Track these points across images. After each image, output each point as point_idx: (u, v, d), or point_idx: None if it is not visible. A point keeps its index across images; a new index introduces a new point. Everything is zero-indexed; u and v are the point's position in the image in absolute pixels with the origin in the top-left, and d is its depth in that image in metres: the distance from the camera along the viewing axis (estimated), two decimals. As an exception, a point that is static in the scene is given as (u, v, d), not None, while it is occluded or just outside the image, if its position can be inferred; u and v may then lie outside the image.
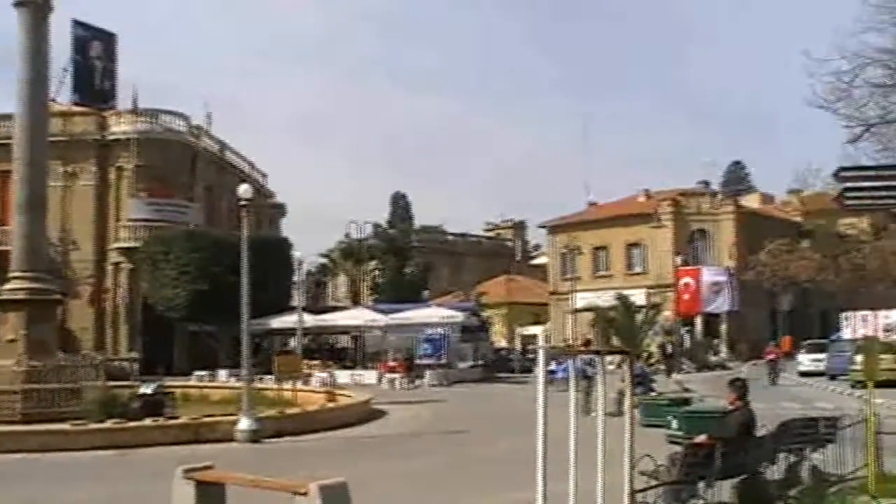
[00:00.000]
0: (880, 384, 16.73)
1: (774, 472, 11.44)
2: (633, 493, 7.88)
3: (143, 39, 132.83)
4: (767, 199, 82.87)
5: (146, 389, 25.39)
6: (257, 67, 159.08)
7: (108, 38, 58.97)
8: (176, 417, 22.50)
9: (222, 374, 43.62)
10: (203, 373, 43.53)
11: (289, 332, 48.00)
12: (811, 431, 12.38)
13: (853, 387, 32.76)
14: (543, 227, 78.07)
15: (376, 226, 73.70)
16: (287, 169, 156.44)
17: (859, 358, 26.48)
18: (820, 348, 45.58)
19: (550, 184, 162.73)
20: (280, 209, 72.79)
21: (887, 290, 58.49)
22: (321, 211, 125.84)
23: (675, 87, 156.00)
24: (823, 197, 60.66)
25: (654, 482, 8.80)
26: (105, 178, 53.74)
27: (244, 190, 23.00)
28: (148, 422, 21.41)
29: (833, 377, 39.32)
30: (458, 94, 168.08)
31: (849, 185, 9.92)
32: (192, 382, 38.27)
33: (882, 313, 48.01)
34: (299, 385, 30.56)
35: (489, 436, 22.26)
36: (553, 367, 31.45)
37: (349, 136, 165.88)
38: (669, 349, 47.99)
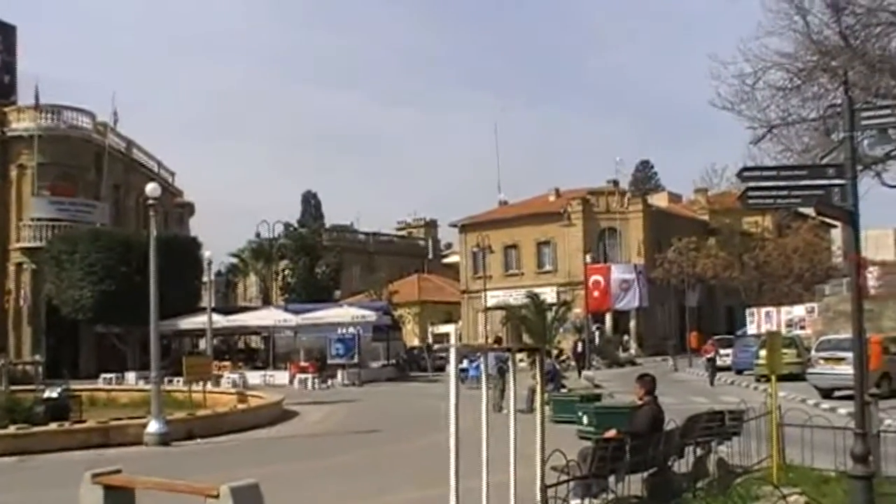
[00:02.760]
0: (783, 378, 17.23)
1: (682, 465, 11.67)
2: (544, 487, 7.96)
3: (45, 33, 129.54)
4: (675, 198, 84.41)
5: (51, 393, 24.85)
6: (165, 64, 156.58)
7: (7, 30, 57.27)
8: (82, 421, 22.03)
9: (130, 376, 42.84)
10: (110, 375, 42.72)
11: (198, 333, 47.40)
12: (718, 425, 12.66)
13: (758, 380, 33.63)
14: (455, 226, 78.35)
15: (287, 225, 73.13)
16: (196, 167, 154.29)
17: (763, 352, 27.28)
18: (726, 343, 46.67)
19: (462, 183, 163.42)
20: (188, 208, 71.73)
21: (789, 287, 60.24)
22: (231, 210, 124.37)
23: (585, 89, 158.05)
24: (728, 196, 62.23)
25: (565, 477, 8.90)
26: (6, 176, 52.18)
27: (152, 189, 22.55)
28: (53, 426, 20.89)
29: (739, 371, 40.29)
30: (369, 92, 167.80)
31: (751, 184, 10.17)
32: (99, 385, 37.57)
33: (785, 309, 49.42)
34: (209, 387, 30.17)
35: (402, 434, 22.28)
36: (465, 364, 31.73)
37: (259, 135, 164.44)
38: (580, 347, 48.45)
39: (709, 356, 39.48)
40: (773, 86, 21.23)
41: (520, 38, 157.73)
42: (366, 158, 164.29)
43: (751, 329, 49.11)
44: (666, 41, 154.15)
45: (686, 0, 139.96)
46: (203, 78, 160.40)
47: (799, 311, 48.58)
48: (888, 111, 9.91)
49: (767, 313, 49.57)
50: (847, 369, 23.05)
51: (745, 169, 11.11)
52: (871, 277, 39.35)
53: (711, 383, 36.82)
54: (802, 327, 45.71)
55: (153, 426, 20.55)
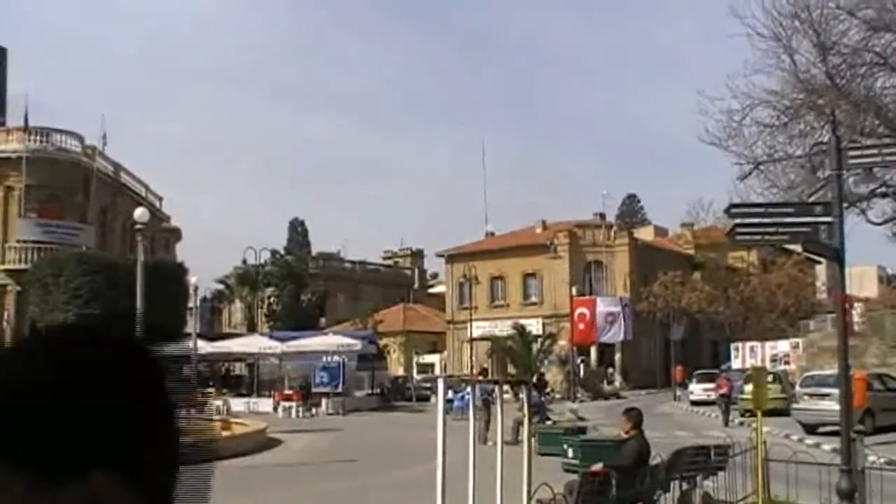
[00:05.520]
0: (768, 413, 17.27)
1: (668, 499, 11.66)
2: (530, 521, 7.95)
3: (35, 56, 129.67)
4: (661, 231, 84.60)
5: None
6: (155, 90, 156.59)
7: (-3, 52, 57.28)
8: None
9: (113, 401, 42.47)
10: (92, 400, 42.33)
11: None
12: (703, 459, 12.66)
13: (743, 415, 33.57)
14: (441, 256, 78.30)
15: (273, 252, 73.10)
16: (183, 193, 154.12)
17: (748, 387, 27.30)
18: (710, 378, 46.48)
19: (449, 213, 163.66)
20: (175, 233, 71.57)
21: (774, 322, 60.41)
22: (218, 236, 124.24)
23: (574, 122, 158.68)
24: (714, 231, 62.54)
25: (551, 510, 8.89)
26: (-7, 198, 52.06)
27: (140, 214, 22.60)
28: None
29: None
30: (357, 123, 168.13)
31: (739, 221, 10.25)
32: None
33: (769, 344, 49.47)
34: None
35: (386, 464, 22.17)
36: (450, 395, 31.68)
37: (247, 162, 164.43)
38: (535, 378, 47.27)
39: (722, 392, 35.78)
40: (760, 122, 21.43)
41: (507, 71, 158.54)
42: (353, 187, 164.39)
43: (735, 363, 49.11)
44: (654, 76, 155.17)
45: (676, 35, 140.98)
46: (192, 104, 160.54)
47: (783, 346, 48.66)
48: (874, 150, 10.04)
49: (752, 348, 49.66)
50: (831, 405, 23.10)
51: (734, 205, 11.21)
52: (855, 314, 39.52)
53: (726, 423, 33.08)
54: (787, 362, 45.74)
55: (135, 452, 20.37)
